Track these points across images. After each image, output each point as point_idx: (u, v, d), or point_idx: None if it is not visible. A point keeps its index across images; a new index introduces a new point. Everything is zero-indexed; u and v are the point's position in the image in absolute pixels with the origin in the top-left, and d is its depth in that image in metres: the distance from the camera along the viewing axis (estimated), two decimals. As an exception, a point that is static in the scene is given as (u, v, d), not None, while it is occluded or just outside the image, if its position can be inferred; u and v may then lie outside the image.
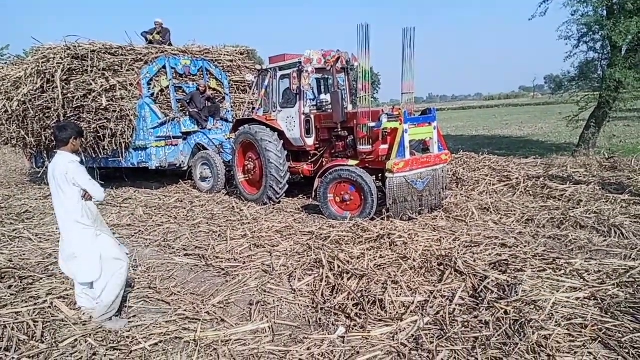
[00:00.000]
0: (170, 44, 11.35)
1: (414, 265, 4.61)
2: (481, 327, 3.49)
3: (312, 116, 7.96)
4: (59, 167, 3.68)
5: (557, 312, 3.55)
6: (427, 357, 3.24)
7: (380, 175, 7.44)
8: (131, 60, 10.10)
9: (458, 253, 4.83)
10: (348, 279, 4.41)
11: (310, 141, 8.07)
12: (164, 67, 10.46)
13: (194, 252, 5.83)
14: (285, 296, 4.36)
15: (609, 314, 3.53)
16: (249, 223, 6.88)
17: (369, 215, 6.56)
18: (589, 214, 6.26)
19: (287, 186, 8.17)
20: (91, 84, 9.62)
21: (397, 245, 5.24)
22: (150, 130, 10.04)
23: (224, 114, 11.52)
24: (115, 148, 10.16)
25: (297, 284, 4.52)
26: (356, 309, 3.96)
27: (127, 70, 9.99)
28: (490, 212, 6.80)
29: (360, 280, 4.37)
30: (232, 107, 11.90)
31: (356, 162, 7.02)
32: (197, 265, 5.39)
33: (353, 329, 3.69)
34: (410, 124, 6.53)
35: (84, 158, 10.55)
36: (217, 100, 11.47)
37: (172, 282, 4.97)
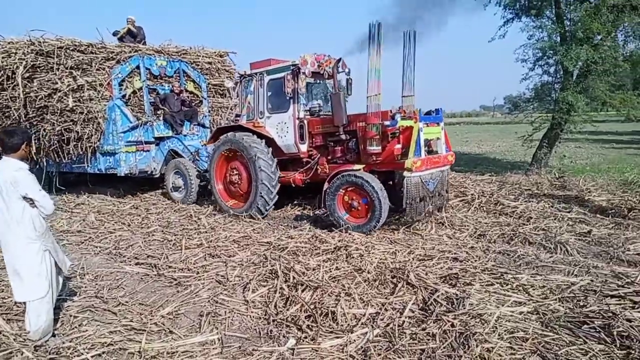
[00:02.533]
0: (144, 43, 10.75)
1: (368, 278, 4.66)
2: (428, 339, 3.55)
3: (306, 121, 7.69)
4: (4, 174, 3.40)
5: (501, 326, 3.66)
6: (375, 369, 3.27)
7: (388, 177, 7.13)
8: (102, 59, 9.51)
9: (411, 266, 4.92)
10: (302, 291, 4.40)
11: (304, 147, 7.75)
12: (138, 67, 9.89)
13: (145, 260, 5.67)
14: (238, 307, 4.30)
15: (549, 327, 3.68)
16: (205, 232, 6.77)
17: (378, 222, 6.35)
18: (538, 230, 6.52)
19: (277, 197, 7.79)
20: (57, 83, 9.02)
21: (353, 257, 5.29)
22: (120, 134, 9.45)
23: (201, 119, 10.97)
24: (80, 153, 9.55)
25: (250, 295, 4.47)
26: (308, 320, 3.95)
27: (97, 70, 9.41)
28: (445, 226, 6.96)
29: (314, 292, 4.37)
30: (209, 111, 11.37)
31: (361, 166, 6.78)
32: (148, 275, 5.24)
33: (303, 340, 3.67)
34: (424, 123, 6.44)
35: (44, 162, 10.07)
36: (194, 104, 10.89)
37: (121, 291, 4.82)
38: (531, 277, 4.76)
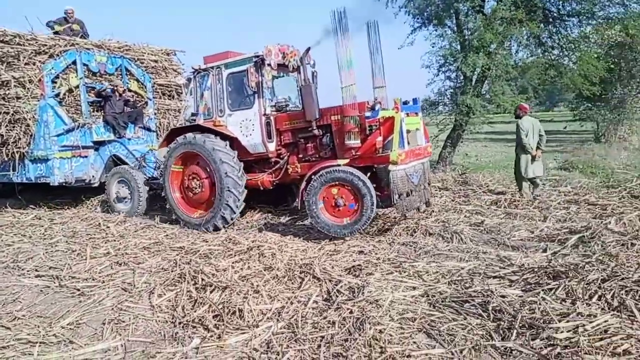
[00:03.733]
0: (87, 37, 9.69)
1: (277, 275, 4.83)
2: (328, 327, 3.78)
3: (273, 118, 7.11)
4: None
5: (394, 309, 3.99)
6: (276, 358, 3.43)
7: (365, 172, 6.51)
8: (32, 52, 8.37)
9: (319, 261, 5.16)
10: (211, 292, 4.46)
11: (272, 146, 7.16)
12: (74, 62, 8.81)
13: (47, 272, 5.40)
14: (143, 313, 4.26)
15: (436, 307, 4.07)
16: (114, 240, 6.56)
17: (369, 219, 6.01)
18: (438, 222, 7.08)
19: (244, 204, 7.25)
20: None
21: (265, 257, 5.43)
22: (53, 137, 8.39)
23: (146, 122, 10.00)
24: (5, 159, 8.51)
25: (157, 300, 4.45)
26: (215, 320, 4.03)
27: (26, 64, 8.28)
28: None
29: (223, 292, 4.45)
30: (155, 114, 10.42)
31: (345, 160, 6.30)
32: (49, 287, 5.01)
33: (209, 339, 3.75)
34: (404, 113, 6.14)
35: None
36: (138, 105, 9.93)
37: (17, 305, 4.56)
38: (427, 264, 5.20)
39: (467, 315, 3.89)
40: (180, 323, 4.01)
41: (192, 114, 7.91)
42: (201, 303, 4.27)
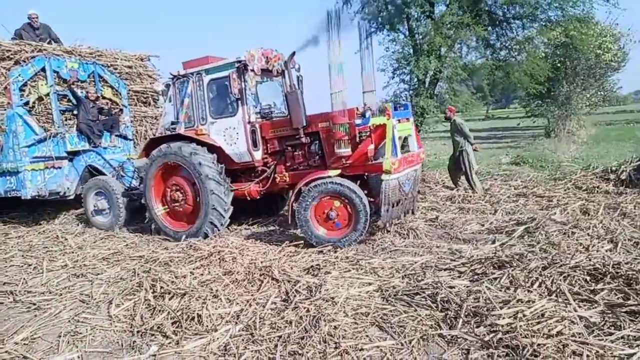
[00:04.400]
0: (58, 42, 9.24)
1: (237, 279, 4.90)
2: (285, 326, 3.89)
3: (258, 125, 6.86)
4: None
5: (348, 305, 4.15)
6: (233, 360, 3.52)
7: (354, 182, 6.35)
8: None
9: (279, 262, 5.27)
10: (170, 299, 4.49)
11: (258, 155, 6.89)
12: (43, 69, 8.34)
13: (0, 288, 5.26)
14: (101, 324, 4.25)
15: (388, 301, 4.26)
16: (72, 252, 6.45)
17: (363, 231, 5.85)
18: (395, 220, 7.32)
19: (228, 221, 7.00)
20: None
21: (225, 261, 5.49)
22: (23, 148, 7.94)
23: (122, 129, 9.54)
24: None
25: (114, 310, 4.44)
26: (174, 326, 4.07)
27: None
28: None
29: (182, 298, 4.48)
30: (132, 121, 9.97)
31: (337, 171, 6.10)
32: (2, 303, 4.89)
33: (167, 346, 3.79)
34: (396, 119, 5.93)
35: None
36: (113, 112, 9.47)
37: (-33, 325, 4.43)
38: (383, 260, 5.40)
39: (418, 307, 4.10)
40: (138, 332, 4.03)
41: (172, 122, 7.54)
42: (160, 311, 4.29)
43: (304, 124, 6.41)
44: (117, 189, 8.00)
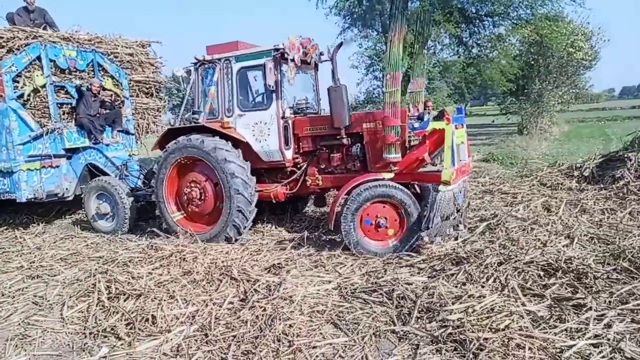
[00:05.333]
0: (53, 27, 8.38)
1: (195, 279, 4.84)
2: (241, 326, 3.87)
3: (290, 121, 6.31)
4: None
5: (305, 303, 4.16)
6: (185, 361, 3.49)
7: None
8: None
9: (240, 262, 5.24)
10: (125, 300, 4.41)
11: (289, 154, 6.36)
12: (39, 58, 7.52)
13: (-52, 293, 5.09)
14: (52, 326, 4.15)
15: (346, 299, 4.28)
16: (29, 253, 6.28)
17: (414, 243, 5.32)
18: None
19: (251, 224, 6.47)
20: None
21: (186, 261, 5.41)
22: (18, 146, 7.23)
23: (124, 124, 8.74)
24: None
25: (67, 312, 4.34)
26: (127, 328, 4.00)
27: None
28: (285, 221, 7.47)
29: (137, 299, 4.41)
30: (133, 113, 9.11)
31: (391, 174, 5.57)
32: (-49, 308, 4.73)
33: (119, 347, 3.73)
34: (455, 124, 5.40)
35: None
36: (116, 105, 8.67)
37: None
38: (345, 258, 5.43)
39: (374, 304, 4.13)
40: (90, 334, 3.95)
41: (194, 112, 6.75)
42: (114, 312, 4.22)
43: (347, 124, 5.91)
44: (121, 191, 7.29)
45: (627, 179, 7.87)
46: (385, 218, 5.45)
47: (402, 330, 3.64)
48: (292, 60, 6.07)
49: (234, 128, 6.43)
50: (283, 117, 6.27)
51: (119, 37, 9.26)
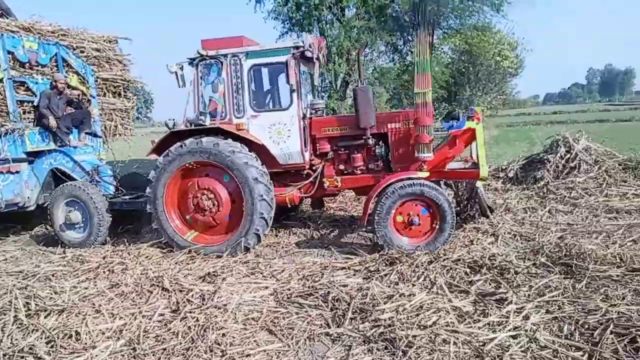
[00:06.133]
0: (10, 15, 7.57)
1: (124, 291, 4.63)
2: (171, 338, 3.74)
3: (307, 122, 6.17)
4: None
5: (240, 311, 4.09)
6: (110, 378, 3.31)
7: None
8: None
9: (172, 272, 5.06)
10: (46, 317, 4.12)
11: (307, 156, 6.16)
12: None
13: None
14: (-40, 350, 3.79)
15: (282, 304, 4.26)
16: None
17: (445, 241, 5.43)
18: (298, 221, 7.40)
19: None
20: None
21: (114, 273, 5.18)
22: None
23: (93, 125, 7.91)
24: None
25: (-22, 333, 3.98)
26: (48, 346, 3.74)
27: None
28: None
29: (59, 315, 4.14)
30: (100, 114, 8.26)
31: (426, 173, 5.65)
32: None
33: (38, 368, 3.47)
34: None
35: None
36: (84, 105, 7.82)
37: None
38: (284, 263, 5.41)
39: (309, 308, 4.15)
40: (5, 355, 3.65)
41: (201, 113, 6.20)
42: (33, 330, 3.92)
43: (372, 124, 5.88)
44: (97, 198, 6.58)
45: (546, 179, 8.48)
46: (418, 215, 5.51)
47: (336, 333, 3.68)
48: (317, 59, 6.06)
49: (246, 129, 6.03)
50: (304, 118, 6.12)
51: (84, 31, 8.47)
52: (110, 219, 6.66)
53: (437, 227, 5.48)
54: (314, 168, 6.33)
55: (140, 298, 4.54)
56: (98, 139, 8.07)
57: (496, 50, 22.01)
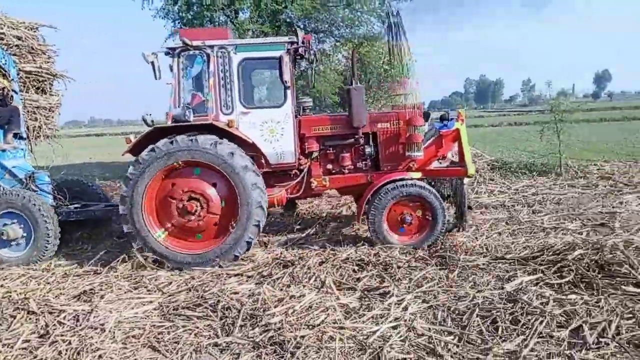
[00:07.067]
0: None
1: (-23, 319, 4.04)
2: (37, 368, 3.35)
3: (296, 121, 5.90)
4: None
5: (119, 330, 3.80)
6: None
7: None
8: None
9: (40, 292, 4.55)
10: None
11: (297, 156, 5.90)
12: None
13: None
14: None
15: (167, 318, 4.04)
16: None
17: (436, 239, 5.62)
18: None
19: None
20: None
21: (-32, 299, 4.49)
22: None
23: (22, 125, 6.62)
24: None
25: None
26: None
27: None
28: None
29: None
30: (23, 112, 6.92)
31: (418, 173, 5.87)
32: None
33: None
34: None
35: None
36: (10, 102, 6.51)
37: None
38: (171, 275, 5.14)
39: (197, 319, 3.99)
40: None
41: (187, 107, 5.59)
42: None
43: (364, 123, 5.86)
44: (43, 208, 5.73)
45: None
46: (411, 214, 5.69)
47: (224, 342, 3.59)
48: (313, 54, 6.18)
49: (236, 127, 5.60)
50: (296, 116, 5.93)
51: (4, 15, 7.19)
52: (56, 233, 5.83)
53: (429, 226, 5.69)
54: (300, 168, 6.10)
55: (1, 325, 4.00)
56: (23, 141, 6.84)
57: (385, 59, 23.30)
